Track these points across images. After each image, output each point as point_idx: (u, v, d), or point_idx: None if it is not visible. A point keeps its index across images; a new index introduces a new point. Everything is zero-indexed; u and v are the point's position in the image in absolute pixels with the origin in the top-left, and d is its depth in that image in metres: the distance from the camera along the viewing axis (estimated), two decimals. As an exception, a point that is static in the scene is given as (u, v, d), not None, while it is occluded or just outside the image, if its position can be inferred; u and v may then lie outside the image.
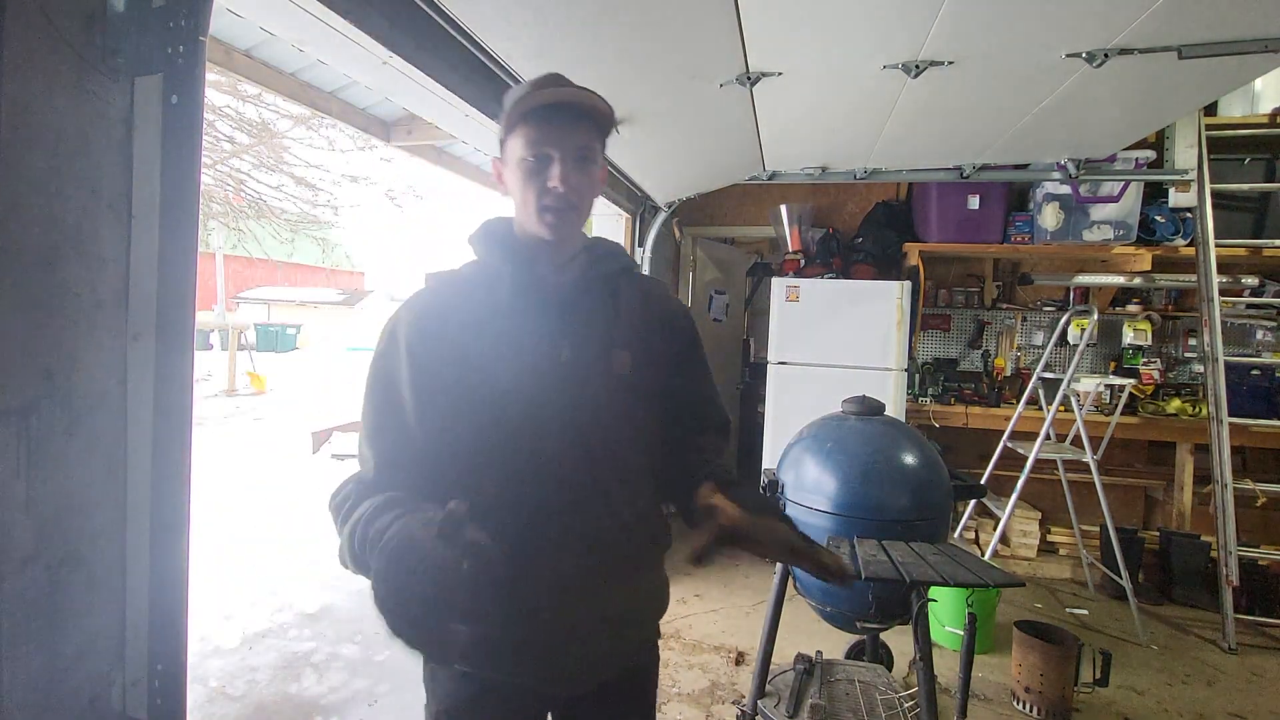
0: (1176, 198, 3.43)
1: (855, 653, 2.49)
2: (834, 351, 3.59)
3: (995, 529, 3.31)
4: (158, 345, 0.81)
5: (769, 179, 3.50)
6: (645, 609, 1.06)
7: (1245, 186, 3.45)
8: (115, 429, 0.79)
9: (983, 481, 3.38)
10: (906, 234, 4.02)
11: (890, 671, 2.28)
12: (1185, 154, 3.30)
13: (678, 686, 2.53)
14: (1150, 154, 3.29)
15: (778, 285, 3.70)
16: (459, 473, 0.94)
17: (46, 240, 0.71)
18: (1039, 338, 4.14)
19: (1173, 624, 3.23)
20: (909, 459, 2.01)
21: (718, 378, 1.23)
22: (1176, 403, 3.69)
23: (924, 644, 1.74)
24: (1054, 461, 3.42)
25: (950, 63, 1.91)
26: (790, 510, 2.05)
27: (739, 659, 2.74)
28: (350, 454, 6.61)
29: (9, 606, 0.67)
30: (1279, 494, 3.31)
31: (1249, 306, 3.65)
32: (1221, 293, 3.31)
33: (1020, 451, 3.30)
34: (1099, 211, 3.60)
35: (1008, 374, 4.11)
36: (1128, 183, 3.48)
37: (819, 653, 2.21)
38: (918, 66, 1.93)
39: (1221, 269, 3.32)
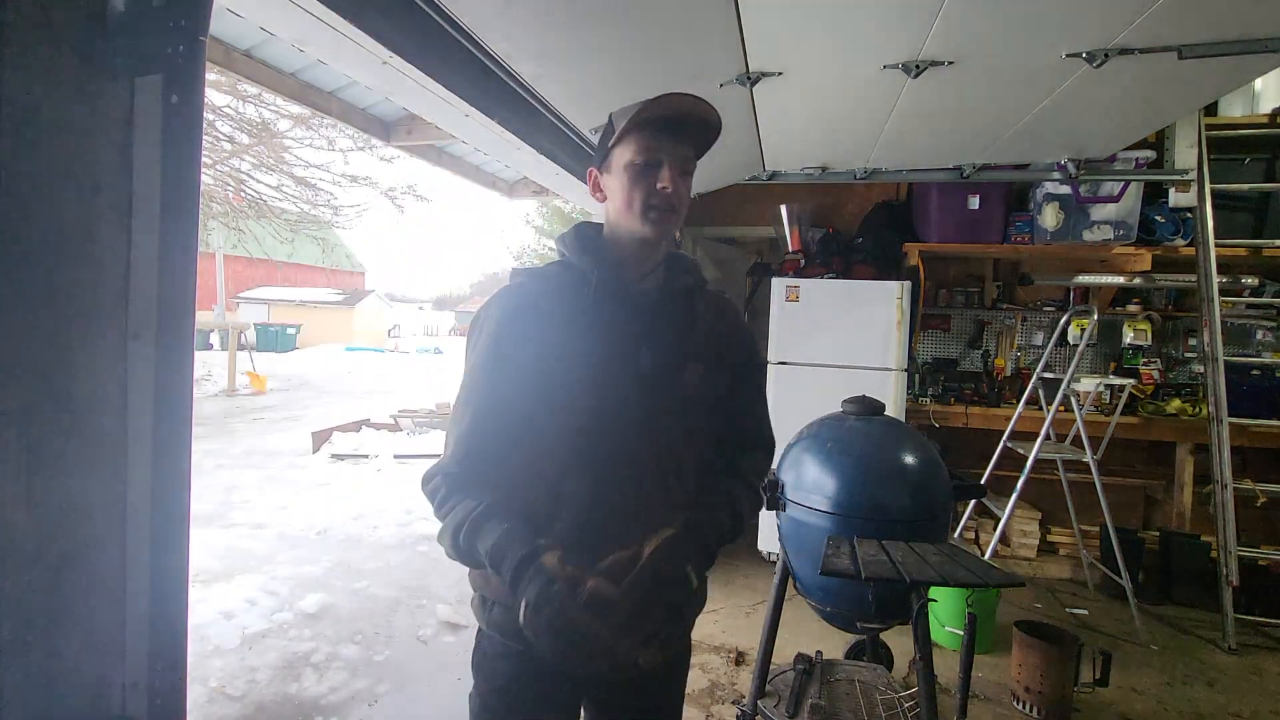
0: (1176, 198, 3.43)
1: (855, 653, 2.49)
2: (834, 351, 3.59)
3: (995, 529, 3.31)
4: (158, 345, 0.81)
5: (769, 179, 3.50)
6: (690, 605, 1.10)
7: (1245, 186, 3.45)
8: (115, 429, 0.79)
9: (983, 481, 3.38)
10: (906, 234, 4.02)
11: (890, 671, 2.27)
12: (1185, 154, 3.30)
13: (678, 686, 2.53)
14: (1150, 154, 3.29)
15: (778, 285, 3.70)
16: (537, 468, 1.00)
17: (46, 240, 0.71)
18: (1039, 338, 4.14)
19: (1173, 624, 3.23)
20: (909, 459, 2.01)
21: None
22: (1176, 403, 3.69)
23: (924, 644, 1.74)
24: (1054, 461, 3.42)
25: (950, 63, 1.92)
26: (790, 510, 2.05)
27: (739, 659, 2.74)
28: (350, 454, 6.62)
29: (9, 607, 0.67)
30: (1279, 494, 3.31)
31: (1249, 306, 3.65)
32: (1221, 293, 3.31)
33: (1020, 451, 3.30)
34: (1099, 211, 3.60)
35: (1008, 374, 4.11)
36: (1128, 183, 3.47)
37: (819, 653, 2.21)
38: (918, 66, 1.93)
39: (1221, 269, 3.33)
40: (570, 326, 1.01)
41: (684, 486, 1.05)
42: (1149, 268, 3.79)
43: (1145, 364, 3.86)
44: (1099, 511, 3.21)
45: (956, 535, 3.63)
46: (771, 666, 2.07)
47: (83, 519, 0.75)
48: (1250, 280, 3.57)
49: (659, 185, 0.98)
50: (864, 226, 4.14)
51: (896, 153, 3.03)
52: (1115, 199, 3.54)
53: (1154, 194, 3.62)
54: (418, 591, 3.43)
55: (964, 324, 4.26)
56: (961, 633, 1.95)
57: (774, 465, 2.31)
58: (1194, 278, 3.41)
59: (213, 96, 7.31)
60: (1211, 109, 3.46)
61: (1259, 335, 3.82)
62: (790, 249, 4.24)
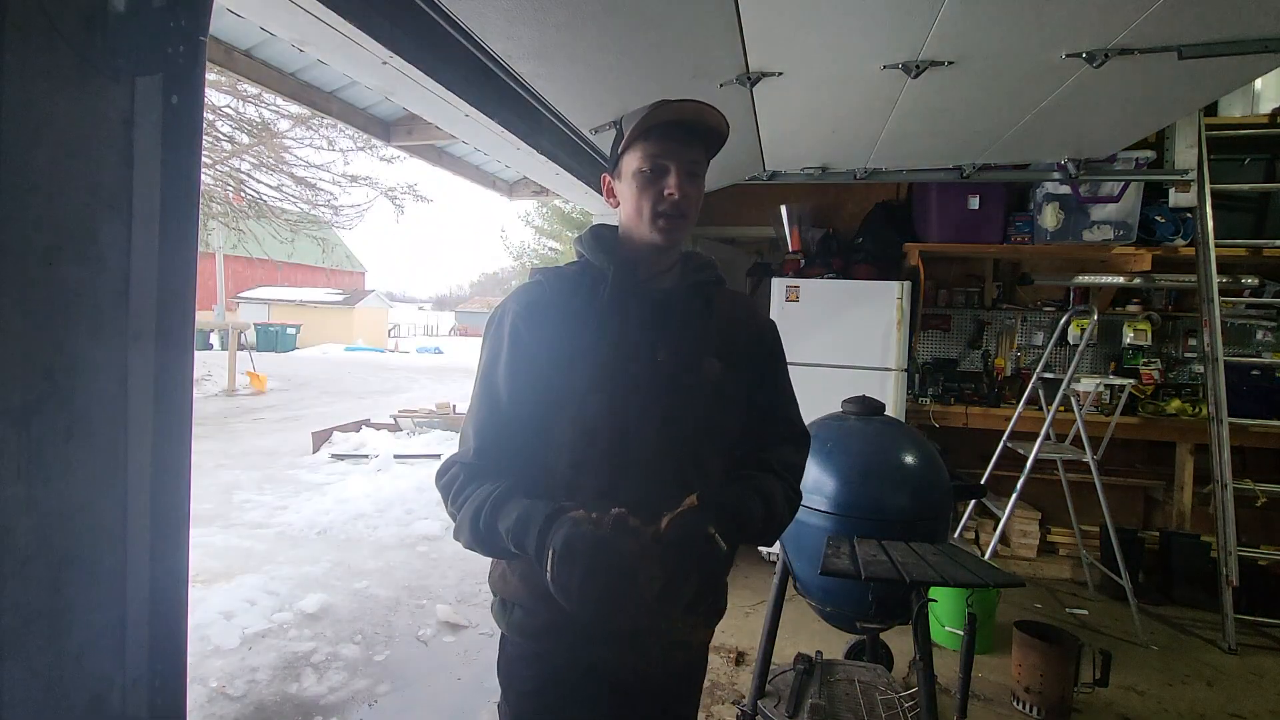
0: (1176, 198, 3.43)
1: (855, 653, 2.49)
2: (834, 351, 3.59)
3: (995, 529, 3.31)
4: (158, 345, 0.81)
5: (769, 179, 3.50)
6: (714, 604, 1.10)
7: (1245, 186, 3.45)
8: (115, 429, 0.79)
9: (983, 481, 3.38)
10: (906, 234, 4.02)
11: (890, 671, 2.27)
12: (1185, 154, 3.29)
13: (678, 686, 2.53)
14: (1150, 154, 3.29)
15: (778, 285, 3.70)
16: (554, 462, 1.00)
17: (46, 240, 0.71)
18: (1039, 338, 4.14)
19: (1173, 624, 3.23)
20: (909, 459, 2.01)
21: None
22: (1176, 403, 3.69)
23: (924, 644, 1.74)
24: (1054, 461, 3.42)
25: (950, 63, 1.92)
26: (790, 510, 2.05)
27: (739, 659, 2.74)
28: (350, 454, 6.62)
29: (9, 606, 0.67)
30: (1279, 494, 3.31)
31: (1249, 306, 3.65)
32: (1221, 293, 3.31)
33: (1020, 451, 3.30)
34: (1099, 211, 3.60)
35: (1008, 374, 4.11)
36: (1128, 183, 3.48)
37: (819, 653, 2.21)
38: (918, 66, 1.93)
39: (1221, 269, 3.32)
40: (586, 323, 1.02)
41: (704, 474, 1.04)
42: (1149, 268, 3.79)
43: (1145, 364, 3.85)
44: (1099, 511, 3.21)
45: (956, 535, 3.63)
46: (771, 666, 2.07)
47: (83, 519, 0.75)
48: (1250, 280, 3.57)
49: (666, 192, 0.99)
50: (864, 226, 4.14)
51: (896, 153, 3.03)
52: (1115, 199, 3.54)
53: (1154, 194, 3.62)
54: (418, 591, 3.43)
55: (964, 324, 4.26)
56: (961, 633, 1.95)
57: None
58: (1194, 278, 3.41)
59: (213, 96, 7.31)
60: (1211, 109, 3.46)
61: (1259, 335, 3.82)
62: (790, 249, 4.24)
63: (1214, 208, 3.31)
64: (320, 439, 6.93)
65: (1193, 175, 3.28)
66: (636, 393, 1.00)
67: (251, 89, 6.96)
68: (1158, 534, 3.66)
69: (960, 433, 3.92)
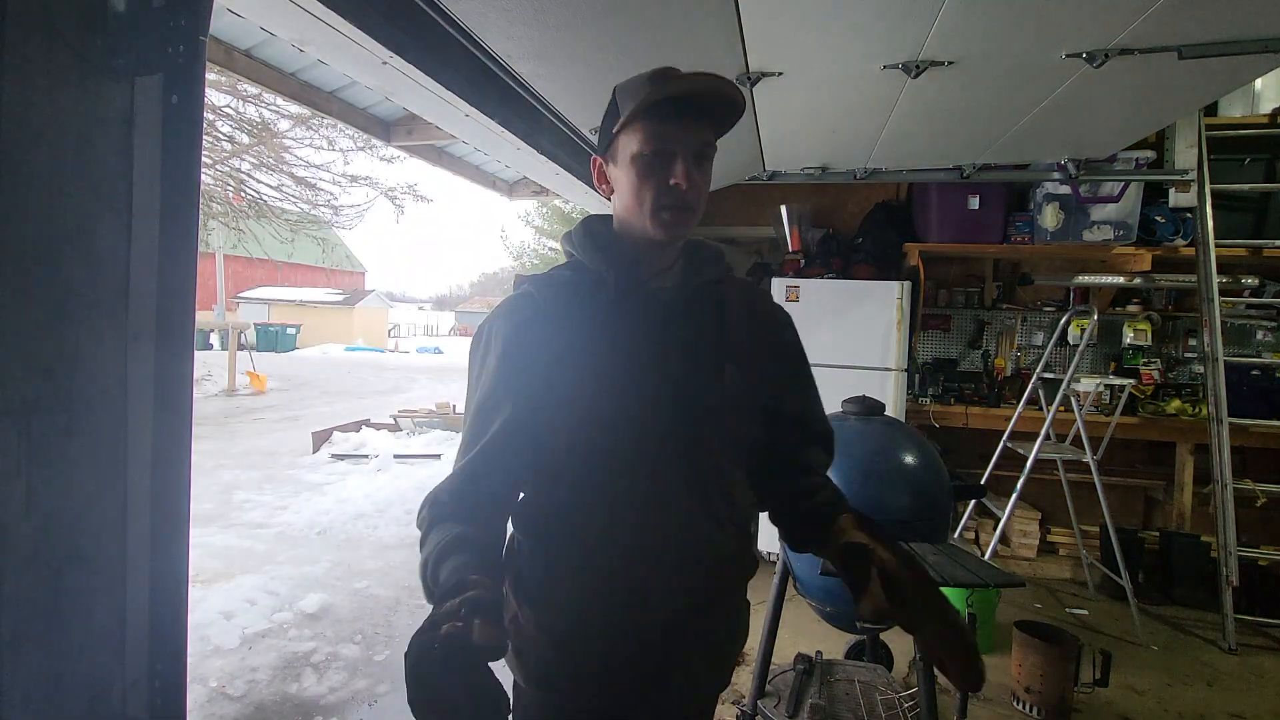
0: (1176, 198, 3.43)
1: (855, 653, 2.49)
2: (834, 351, 3.59)
3: (995, 529, 3.31)
4: (158, 345, 0.81)
5: (769, 179, 3.50)
6: (738, 637, 1.01)
7: (1245, 186, 3.45)
8: (115, 429, 0.79)
9: (983, 481, 3.38)
10: (906, 234, 4.02)
11: (890, 671, 2.27)
12: (1185, 154, 3.29)
13: (678, 686, 2.53)
14: (1150, 154, 3.29)
15: (778, 285, 3.69)
16: (554, 493, 0.90)
17: (46, 240, 0.71)
18: (1039, 338, 4.14)
19: (1173, 624, 3.23)
20: (909, 459, 2.01)
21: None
22: (1176, 403, 3.69)
23: (924, 644, 1.73)
24: (1054, 461, 3.41)
25: (950, 63, 1.91)
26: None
27: (739, 659, 2.74)
28: (350, 454, 6.62)
29: (10, 606, 0.67)
30: (1279, 494, 3.31)
31: (1249, 306, 3.64)
32: (1221, 293, 3.31)
33: (1020, 451, 3.29)
34: (1099, 211, 3.60)
35: (1008, 374, 4.11)
36: (1128, 183, 3.47)
37: (819, 653, 2.21)
38: (918, 66, 1.93)
39: (1221, 269, 3.32)
40: (587, 336, 0.89)
41: (731, 501, 0.92)
42: (1149, 268, 3.79)
43: (1145, 364, 3.85)
44: (1099, 511, 3.21)
45: (956, 535, 3.63)
46: (771, 666, 2.07)
47: (83, 518, 0.75)
48: (1250, 280, 3.57)
49: (672, 181, 0.85)
50: (864, 226, 4.14)
51: (896, 153, 3.03)
52: (1115, 199, 3.54)
53: (1154, 194, 3.62)
54: (418, 591, 3.41)
55: (964, 324, 4.26)
56: (961, 633, 1.94)
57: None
58: (1194, 278, 3.41)
59: (213, 96, 7.31)
60: (1211, 109, 3.46)
61: (1259, 335, 3.82)
62: (790, 249, 4.24)
63: (1214, 208, 3.31)
64: (320, 439, 6.93)
65: (1193, 175, 3.28)
66: (649, 413, 0.88)
67: (251, 89, 6.96)
68: (1158, 534, 3.66)
69: (960, 433, 3.92)
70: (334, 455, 6.57)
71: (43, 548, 0.71)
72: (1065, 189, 3.57)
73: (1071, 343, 3.74)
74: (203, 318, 17.56)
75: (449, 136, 3.27)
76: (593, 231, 0.96)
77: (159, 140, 0.80)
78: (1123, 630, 3.10)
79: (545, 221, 15.45)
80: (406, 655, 0.64)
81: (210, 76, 5.64)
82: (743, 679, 2.58)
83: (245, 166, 8.73)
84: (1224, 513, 3.12)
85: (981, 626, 2.79)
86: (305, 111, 6.27)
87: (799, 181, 3.50)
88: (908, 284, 3.58)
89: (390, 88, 1.88)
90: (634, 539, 0.88)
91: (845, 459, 2.02)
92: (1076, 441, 3.33)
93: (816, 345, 4.02)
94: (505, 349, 0.89)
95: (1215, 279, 3.26)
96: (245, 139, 8.18)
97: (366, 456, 6.47)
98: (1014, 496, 3.16)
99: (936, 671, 1.59)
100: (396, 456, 6.43)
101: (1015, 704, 2.46)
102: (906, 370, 3.64)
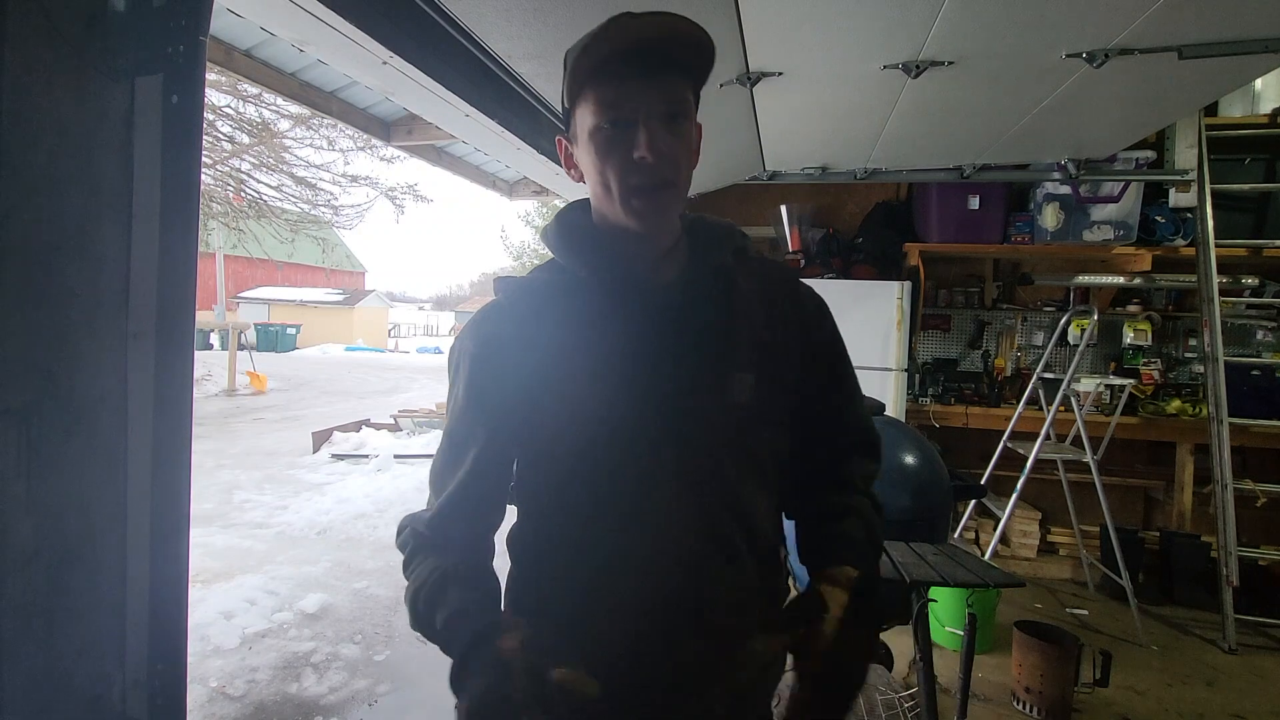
0: (1176, 198, 3.43)
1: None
2: (834, 351, 3.58)
3: (995, 529, 3.31)
4: (158, 345, 0.81)
5: (769, 179, 3.50)
6: (770, 679, 0.86)
7: (1245, 186, 3.45)
8: (115, 429, 0.79)
9: (983, 481, 3.38)
10: (906, 234, 4.02)
11: (890, 671, 2.27)
12: (1185, 154, 3.29)
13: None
14: (1150, 154, 3.29)
15: (778, 285, 3.69)
16: (541, 526, 0.82)
17: (46, 240, 0.71)
18: (1039, 338, 4.14)
19: (1173, 624, 3.23)
20: (909, 459, 2.01)
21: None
22: (1176, 403, 3.69)
23: (924, 644, 1.74)
24: (1054, 461, 3.41)
25: (950, 63, 1.92)
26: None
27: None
28: (350, 454, 6.62)
29: (9, 606, 0.67)
30: (1279, 494, 3.31)
31: (1249, 306, 3.64)
32: (1222, 293, 3.31)
33: (1020, 452, 3.29)
34: (1099, 212, 3.60)
35: (1008, 374, 4.11)
36: (1128, 183, 3.47)
37: (819, 653, 2.20)
38: (918, 66, 1.93)
39: (1221, 269, 3.32)
40: (558, 348, 0.78)
41: (750, 529, 0.79)
42: (1149, 268, 3.79)
43: (1145, 364, 3.85)
44: (1099, 512, 3.21)
45: (956, 535, 3.63)
46: (771, 666, 2.06)
47: (83, 518, 0.75)
48: (1250, 280, 3.57)
49: (635, 155, 0.71)
50: (864, 226, 4.14)
51: (896, 153, 3.03)
52: (1115, 199, 3.54)
53: (1154, 194, 3.62)
54: (418, 591, 3.43)
55: (964, 324, 4.26)
56: (961, 633, 1.95)
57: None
58: (1194, 278, 3.41)
59: (213, 96, 7.31)
60: (1211, 109, 3.46)
61: (1259, 335, 3.82)
62: (790, 249, 4.24)
63: (1214, 208, 3.31)
64: (320, 439, 6.94)
65: (1193, 175, 3.28)
66: (642, 436, 0.75)
67: (251, 89, 6.96)
68: (1158, 534, 3.66)
69: (960, 433, 3.92)
70: (334, 455, 6.57)
71: (43, 548, 0.71)
72: (1065, 189, 3.57)
73: (1071, 343, 3.74)
74: (203, 318, 17.56)
75: (449, 136, 3.27)
76: (568, 225, 0.83)
77: (159, 140, 0.80)
78: (1123, 630, 3.10)
79: (545, 221, 15.46)
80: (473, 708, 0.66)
81: (210, 76, 5.64)
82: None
83: (245, 166, 8.74)
84: (1224, 513, 3.12)
85: (981, 627, 2.78)
86: (305, 111, 6.27)
87: (799, 181, 3.50)
88: (908, 284, 3.58)
89: (390, 88, 1.88)
90: (623, 580, 0.76)
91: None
92: (1076, 441, 3.33)
93: (816, 345, 4.02)
94: (471, 370, 0.80)
95: (1215, 279, 3.26)
96: (245, 139, 8.19)
97: (366, 456, 6.47)
98: (1014, 496, 3.16)
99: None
100: (397, 456, 6.43)
101: (1015, 704, 2.46)
102: (906, 370, 3.64)
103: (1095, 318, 3.30)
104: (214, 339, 20.54)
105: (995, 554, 3.47)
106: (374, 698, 2.46)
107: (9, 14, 0.66)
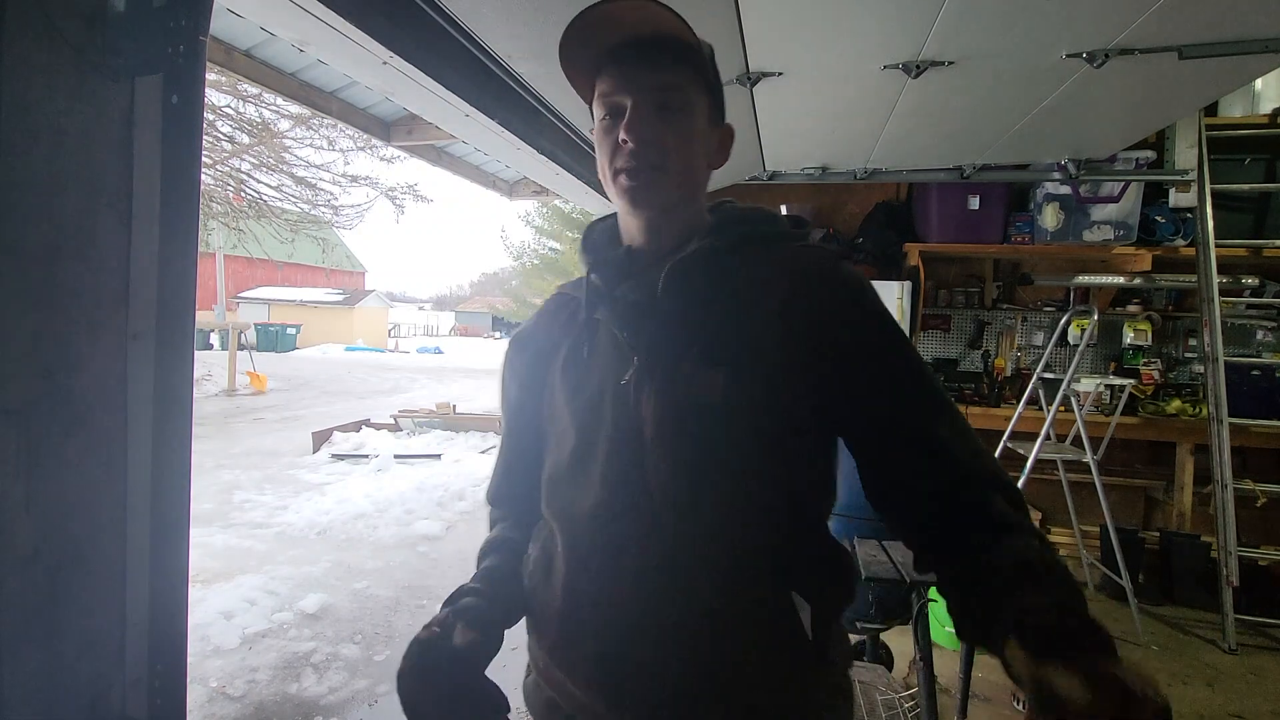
0: (1177, 198, 3.43)
1: (855, 653, 2.49)
2: (834, 351, 3.58)
3: (995, 529, 3.31)
4: (158, 345, 0.81)
5: (769, 179, 3.50)
6: (789, 709, 0.68)
7: (1245, 187, 3.45)
8: (115, 429, 0.79)
9: (983, 481, 3.38)
10: (907, 234, 4.02)
11: (890, 671, 2.27)
12: (1185, 154, 3.29)
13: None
14: (1150, 154, 3.29)
15: (778, 285, 3.69)
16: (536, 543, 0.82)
17: (46, 240, 0.71)
18: (1039, 338, 4.14)
19: (1173, 624, 3.23)
20: (909, 459, 2.00)
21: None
22: (1176, 403, 3.69)
23: (924, 644, 1.74)
24: (1054, 462, 3.41)
25: (950, 63, 1.91)
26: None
27: None
28: (350, 454, 6.62)
29: (9, 606, 0.67)
30: (1279, 494, 3.31)
31: (1249, 307, 3.64)
32: (1222, 293, 3.31)
33: (1020, 452, 3.29)
34: (1099, 212, 3.60)
35: (1008, 374, 4.11)
36: (1128, 183, 3.47)
37: (819, 653, 2.20)
38: (918, 66, 1.93)
39: (1222, 269, 3.32)
40: (557, 352, 0.79)
41: (755, 550, 0.67)
42: (1149, 268, 3.79)
43: (1145, 364, 3.85)
44: (1099, 512, 3.21)
45: (956, 535, 3.63)
46: (771, 666, 2.06)
47: (83, 518, 0.75)
48: (1250, 280, 3.57)
49: (620, 139, 0.69)
50: (864, 226, 4.14)
51: (896, 153, 3.03)
52: (1115, 199, 3.54)
53: (1154, 194, 3.62)
54: (418, 591, 3.43)
55: (964, 324, 4.26)
56: (961, 633, 1.94)
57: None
58: (1194, 278, 3.40)
59: (213, 96, 7.31)
60: (1211, 109, 3.46)
61: (1259, 335, 3.82)
62: (790, 249, 4.24)
63: (1214, 208, 3.30)
64: (320, 439, 6.94)
65: (1193, 175, 3.27)
66: (597, 436, 0.70)
67: (251, 89, 6.97)
68: (1158, 534, 3.66)
69: (960, 433, 3.92)
70: (334, 455, 6.57)
71: (42, 548, 0.71)
72: (1065, 189, 3.57)
73: (1071, 343, 3.74)
74: (203, 318, 17.57)
75: (449, 136, 3.27)
76: (587, 238, 0.83)
77: (159, 140, 0.80)
78: (1123, 630, 3.10)
79: (545, 221, 15.45)
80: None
81: (210, 76, 5.64)
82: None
83: (245, 166, 8.75)
84: (1224, 513, 3.12)
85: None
86: (305, 111, 6.28)
87: (799, 181, 3.50)
88: (908, 284, 3.58)
89: (390, 88, 1.88)
90: (600, 616, 0.68)
91: (845, 459, 2.02)
92: (1076, 441, 3.33)
93: (816, 345, 4.06)
94: (504, 370, 0.89)
95: (1215, 279, 3.26)
96: (245, 139, 8.19)
97: (366, 456, 6.47)
98: (1014, 496, 3.15)
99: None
100: (397, 457, 6.43)
101: (1015, 704, 2.46)
102: (907, 370, 3.64)
103: (1095, 318, 3.30)
104: (214, 339, 20.55)
105: (995, 554, 3.46)
106: (374, 698, 2.46)
107: (9, 14, 0.66)
